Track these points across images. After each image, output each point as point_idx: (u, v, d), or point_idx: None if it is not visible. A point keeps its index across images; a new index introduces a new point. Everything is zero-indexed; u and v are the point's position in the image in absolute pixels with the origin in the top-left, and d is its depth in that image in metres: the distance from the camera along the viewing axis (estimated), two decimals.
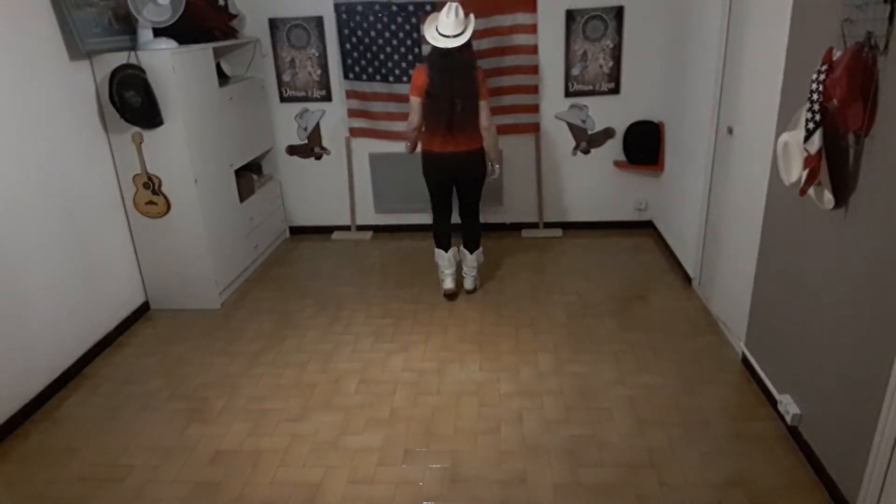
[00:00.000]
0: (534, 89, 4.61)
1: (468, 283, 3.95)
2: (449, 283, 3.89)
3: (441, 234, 3.90)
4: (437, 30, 3.34)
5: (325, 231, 5.17)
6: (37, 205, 3.07)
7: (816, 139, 2.08)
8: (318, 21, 4.59)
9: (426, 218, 3.86)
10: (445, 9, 3.33)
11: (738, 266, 3.12)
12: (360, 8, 4.45)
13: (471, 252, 3.90)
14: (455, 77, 3.37)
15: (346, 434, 2.74)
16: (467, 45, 3.38)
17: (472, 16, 3.40)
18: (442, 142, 3.54)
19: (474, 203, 3.82)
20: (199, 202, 3.73)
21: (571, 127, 4.75)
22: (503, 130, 4.71)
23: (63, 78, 3.26)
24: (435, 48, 3.37)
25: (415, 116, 3.53)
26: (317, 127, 4.90)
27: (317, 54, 4.68)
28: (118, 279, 3.71)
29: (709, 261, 3.67)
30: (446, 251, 3.88)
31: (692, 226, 3.85)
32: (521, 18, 4.44)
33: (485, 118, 3.49)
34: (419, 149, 3.72)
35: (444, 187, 3.75)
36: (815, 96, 2.05)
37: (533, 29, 4.46)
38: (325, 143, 4.94)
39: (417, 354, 3.34)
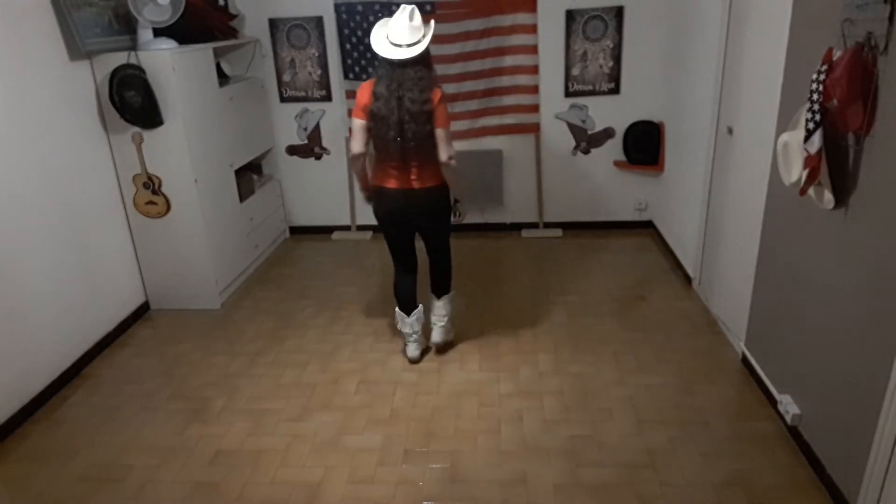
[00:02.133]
0: (534, 89, 4.61)
1: (437, 335, 3.27)
2: (413, 351, 3.23)
3: (403, 294, 3.21)
4: (387, 38, 2.77)
5: (325, 231, 5.17)
6: (37, 205, 3.07)
7: (816, 139, 2.08)
8: (318, 21, 4.59)
9: None
10: (399, 12, 2.74)
11: (738, 266, 3.12)
12: (360, 8, 4.45)
13: (439, 297, 3.27)
14: (405, 96, 2.74)
15: (346, 434, 2.74)
16: (423, 57, 2.77)
17: (431, 22, 2.85)
18: (395, 176, 2.91)
19: (441, 246, 3.22)
20: (199, 202, 3.73)
21: (571, 127, 4.75)
22: (503, 131, 4.73)
23: (63, 78, 3.26)
24: (384, 60, 2.77)
25: (355, 142, 2.89)
26: (317, 127, 4.90)
27: (317, 54, 4.68)
28: (118, 279, 3.70)
29: (709, 261, 3.67)
30: (409, 314, 3.21)
31: (692, 226, 3.85)
32: (521, 18, 4.44)
33: (443, 150, 2.83)
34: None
35: (402, 233, 3.11)
36: (815, 96, 2.05)
37: (533, 29, 4.46)
38: (325, 143, 4.94)
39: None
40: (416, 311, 3.23)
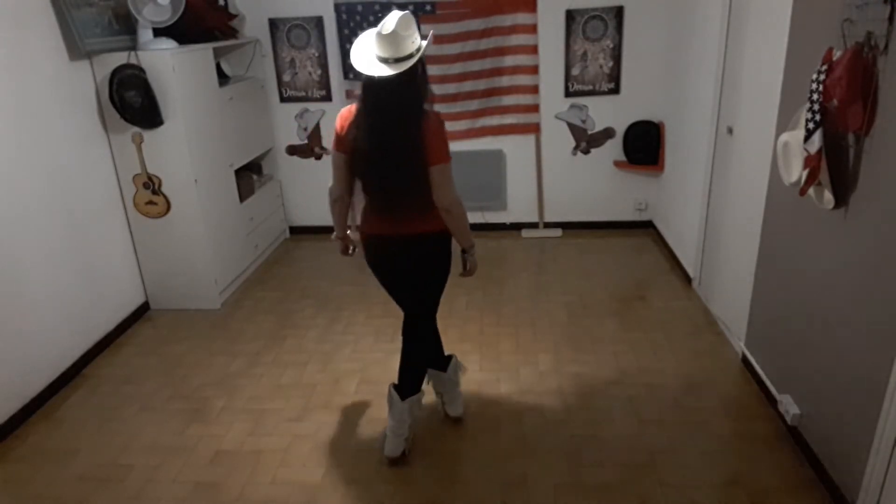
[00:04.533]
0: (534, 89, 4.61)
1: (453, 409, 2.76)
2: (392, 449, 2.52)
3: (408, 361, 2.59)
4: (372, 50, 2.17)
5: (325, 231, 5.12)
6: (37, 205, 3.07)
7: (816, 139, 2.08)
8: (318, 21, 4.59)
9: None
10: (388, 18, 2.11)
11: (738, 266, 3.12)
12: (360, 8, 4.45)
13: (444, 370, 2.72)
14: (390, 124, 2.20)
15: (346, 434, 2.74)
16: (413, 74, 2.16)
17: (431, 34, 2.33)
18: (379, 220, 2.36)
19: (425, 314, 2.56)
20: (199, 202, 3.73)
21: (571, 127, 4.75)
22: (503, 131, 4.73)
23: (63, 78, 3.25)
24: (366, 79, 2.19)
25: (335, 182, 2.39)
26: (317, 127, 4.90)
27: (317, 54, 4.68)
28: (118, 279, 3.70)
29: (709, 261, 3.67)
30: (403, 397, 2.52)
31: (692, 226, 3.85)
32: (521, 18, 4.44)
33: (441, 193, 2.22)
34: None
35: (399, 287, 2.54)
36: (815, 96, 2.05)
37: (533, 29, 4.46)
38: (325, 143, 4.93)
39: None
40: (415, 396, 2.56)
